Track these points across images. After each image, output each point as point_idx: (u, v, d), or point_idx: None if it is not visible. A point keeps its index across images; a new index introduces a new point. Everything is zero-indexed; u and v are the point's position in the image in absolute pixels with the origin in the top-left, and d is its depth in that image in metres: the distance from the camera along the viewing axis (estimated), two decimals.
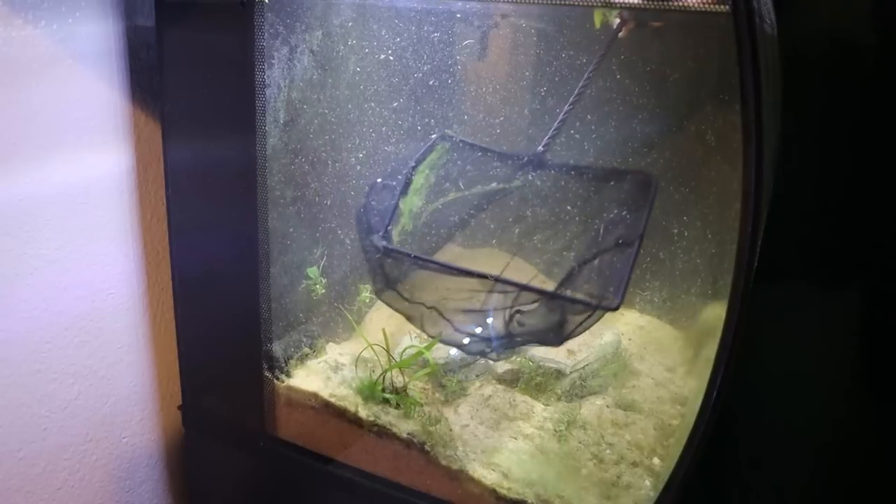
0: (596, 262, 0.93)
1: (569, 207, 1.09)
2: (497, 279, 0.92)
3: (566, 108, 1.05)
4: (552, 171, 1.09)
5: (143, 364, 1.22)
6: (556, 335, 0.91)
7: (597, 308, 0.86)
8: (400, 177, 1.10)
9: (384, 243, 1.00)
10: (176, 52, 0.97)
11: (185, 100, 0.99)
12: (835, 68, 0.93)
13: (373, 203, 1.08)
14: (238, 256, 1.02)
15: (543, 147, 1.07)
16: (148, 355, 1.22)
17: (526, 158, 1.08)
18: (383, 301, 1.04)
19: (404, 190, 1.07)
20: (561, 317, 0.89)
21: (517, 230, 1.21)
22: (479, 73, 1.30)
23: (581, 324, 0.88)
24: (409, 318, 1.01)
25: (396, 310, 1.03)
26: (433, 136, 1.15)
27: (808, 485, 1.04)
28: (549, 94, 1.25)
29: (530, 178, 1.10)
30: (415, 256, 1.00)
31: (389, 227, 1.03)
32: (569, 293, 0.91)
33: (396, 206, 1.05)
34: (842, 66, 0.93)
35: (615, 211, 0.97)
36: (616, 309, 0.85)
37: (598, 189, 1.05)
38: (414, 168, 1.09)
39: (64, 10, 0.96)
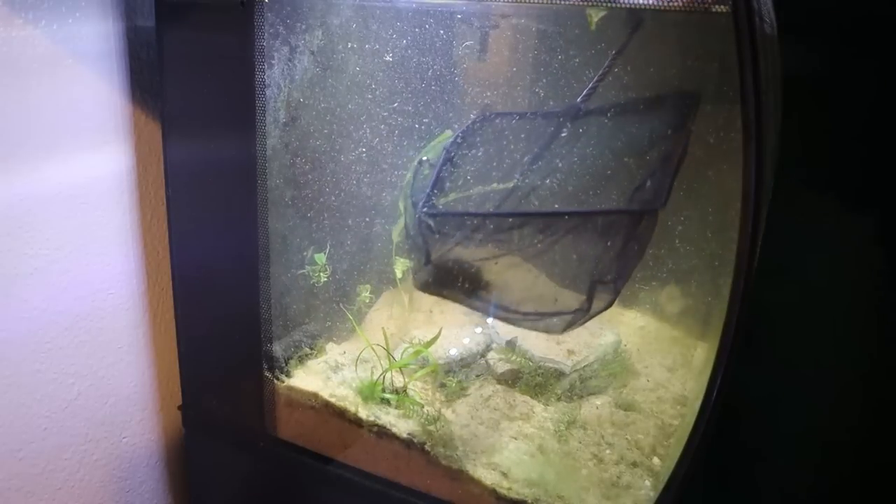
0: (647, 183, 0.92)
1: (619, 143, 1.08)
2: (555, 213, 0.90)
3: (607, 63, 1.04)
4: (595, 117, 1.08)
5: (143, 364, 1.22)
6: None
7: (642, 212, 0.85)
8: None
9: (425, 209, 0.97)
10: (176, 52, 0.97)
11: (185, 100, 0.99)
12: (835, 68, 0.93)
13: (419, 179, 1.06)
14: (238, 256, 1.02)
15: (582, 100, 1.06)
16: (148, 355, 1.22)
17: (578, 105, 1.07)
18: (430, 292, 1.02)
19: (444, 163, 1.05)
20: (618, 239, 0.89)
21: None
22: (480, 73, 1.30)
23: (636, 240, 0.88)
24: (469, 306, 1.00)
25: (449, 299, 1.01)
26: (474, 114, 1.14)
27: (811, 484, 1.04)
28: (551, 94, 1.24)
29: (576, 129, 1.08)
30: (467, 213, 0.98)
31: (433, 198, 1.00)
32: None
33: (437, 178, 1.03)
34: (843, 66, 0.93)
35: (657, 131, 0.97)
36: (663, 206, 0.85)
37: (640, 120, 1.04)
38: (456, 142, 1.07)
39: (64, 10, 0.96)
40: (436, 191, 1.02)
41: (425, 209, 0.97)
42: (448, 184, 1.05)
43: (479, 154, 1.11)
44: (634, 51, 1.13)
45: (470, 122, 1.12)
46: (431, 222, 0.98)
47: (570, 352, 1.17)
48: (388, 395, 1.05)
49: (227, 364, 1.11)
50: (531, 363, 1.14)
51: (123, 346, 1.17)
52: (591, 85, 1.05)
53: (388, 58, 1.19)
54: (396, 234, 1.23)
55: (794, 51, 0.86)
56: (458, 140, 1.09)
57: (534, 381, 1.12)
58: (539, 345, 1.16)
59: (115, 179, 1.10)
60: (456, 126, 1.26)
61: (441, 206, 1.02)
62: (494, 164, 1.12)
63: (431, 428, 0.99)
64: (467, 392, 1.11)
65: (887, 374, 0.97)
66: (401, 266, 1.25)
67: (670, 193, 0.87)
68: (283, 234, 1.08)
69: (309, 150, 1.11)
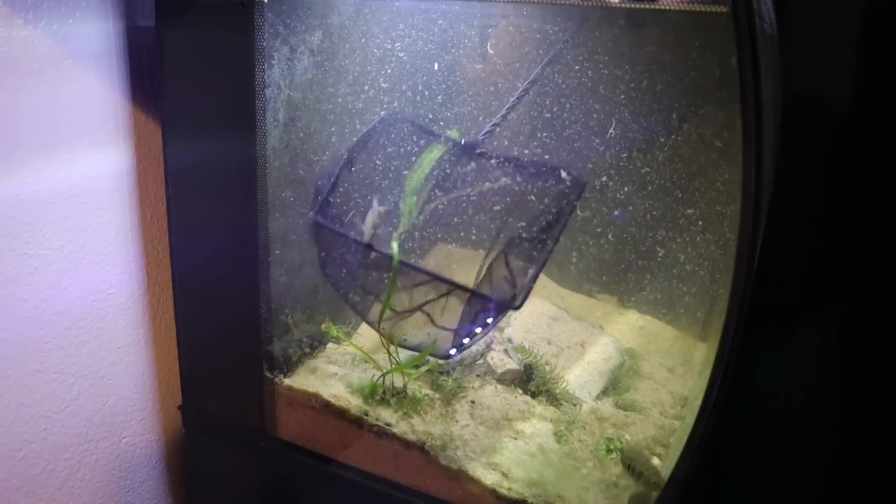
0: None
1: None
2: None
3: (514, 98, 1.06)
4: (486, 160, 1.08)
5: (143, 364, 1.22)
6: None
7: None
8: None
9: (318, 218, 0.96)
10: (176, 52, 0.97)
11: (185, 100, 0.99)
12: (835, 69, 0.93)
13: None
14: (238, 256, 1.02)
15: (483, 136, 1.08)
16: (148, 355, 1.22)
17: (477, 141, 1.08)
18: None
19: (345, 165, 1.03)
20: None
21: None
22: (480, 73, 1.30)
23: None
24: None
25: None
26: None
27: (811, 484, 1.04)
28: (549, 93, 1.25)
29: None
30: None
31: (328, 200, 0.98)
32: None
33: (335, 182, 1.00)
34: (842, 68, 0.93)
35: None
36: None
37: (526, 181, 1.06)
38: (356, 146, 1.06)
39: (64, 10, 0.96)
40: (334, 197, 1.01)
41: (319, 218, 0.97)
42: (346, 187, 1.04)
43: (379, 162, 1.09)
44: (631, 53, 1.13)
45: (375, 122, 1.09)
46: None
47: (559, 348, 1.17)
48: (387, 396, 1.04)
49: (227, 364, 1.11)
50: (547, 365, 1.13)
51: (123, 346, 1.17)
52: (493, 122, 1.06)
53: (387, 57, 1.19)
54: (397, 236, 1.22)
55: (795, 51, 0.86)
56: (358, 142, 1.06)
57: (544, 383, 1.11)
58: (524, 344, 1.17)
59: (115, 179, 1.10)
60: (455, 126, 1.26)
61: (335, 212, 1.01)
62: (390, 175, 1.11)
63: (430, 425, 0.99)
64: (467, 392, 1.11)
65: (890, 373, 0.97)
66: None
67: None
68: (283, 233, 1.08)
69: (309, 150, 1.11)
